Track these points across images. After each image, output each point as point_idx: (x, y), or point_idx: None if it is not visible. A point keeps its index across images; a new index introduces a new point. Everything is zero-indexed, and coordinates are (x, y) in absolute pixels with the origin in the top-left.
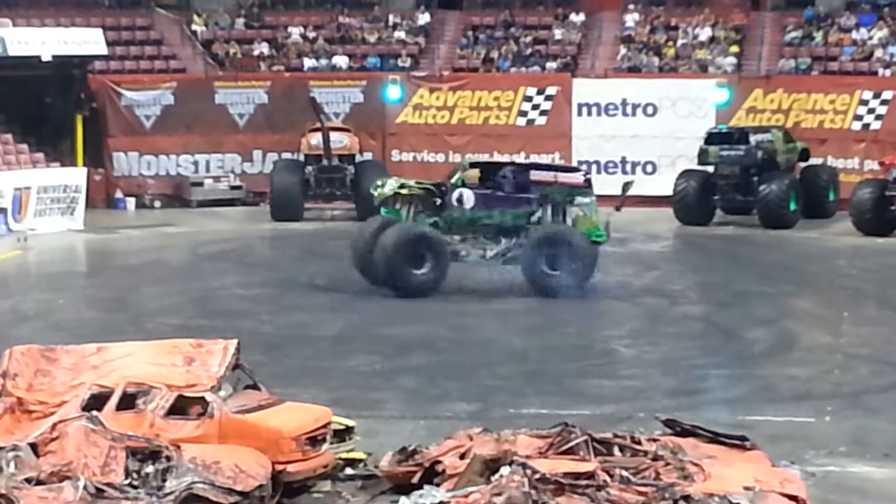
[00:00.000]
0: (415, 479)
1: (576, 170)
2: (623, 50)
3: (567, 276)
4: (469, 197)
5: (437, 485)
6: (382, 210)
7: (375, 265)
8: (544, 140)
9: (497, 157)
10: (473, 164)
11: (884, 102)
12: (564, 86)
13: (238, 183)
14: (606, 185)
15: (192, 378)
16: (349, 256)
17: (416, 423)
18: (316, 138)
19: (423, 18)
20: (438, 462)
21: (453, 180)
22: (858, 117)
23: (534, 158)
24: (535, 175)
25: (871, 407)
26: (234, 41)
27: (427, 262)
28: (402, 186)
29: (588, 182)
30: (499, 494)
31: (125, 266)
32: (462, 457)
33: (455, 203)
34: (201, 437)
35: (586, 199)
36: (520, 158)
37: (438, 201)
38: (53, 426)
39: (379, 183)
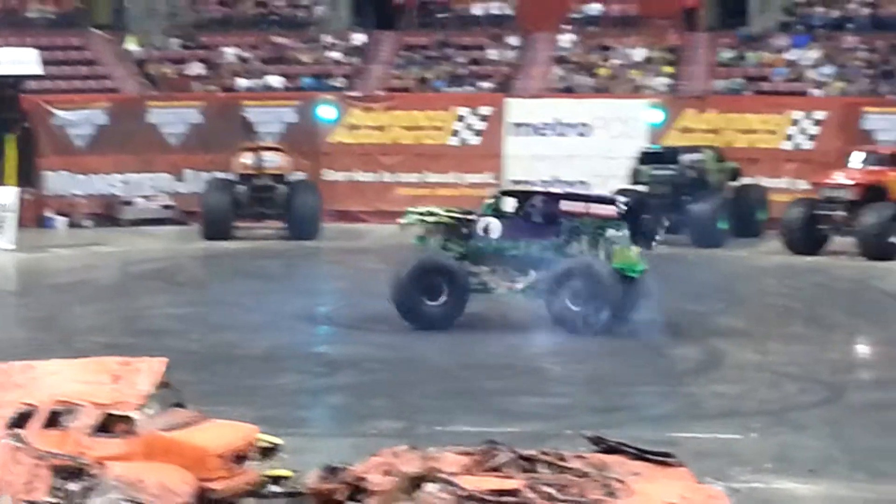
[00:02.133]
0: (340, 497)
1: (611, 201)
2: (557, 70)
3: (590, 310)
4: (496, 226)
5: (362, 502)
6: (413, 239)
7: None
8: (478, 160)
9: (533, 185)
10: (507, 192)
11: (815, 123)
12: (498, 106)
13: (170, 202)
14: None
15: (118, 396)
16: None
17: (343, 441)
18: (248, 158)
19: (358, 39)
20: (364, 479)
21: (483, 208)
22: (790, 137)
23: (470, 178)
24: (565, 205)
25: (797, 424)
26: (169, 61)
27: (443, 294)
28: (429, 214)
29: (622, 214)
30: None
31: (55, 285)
32: (387, 474)
33: (482, 232)
34: (127, 455)
35: (619, 233)
36: (563, 184)
37: (466, 230)
38: None
39: (409, 210)
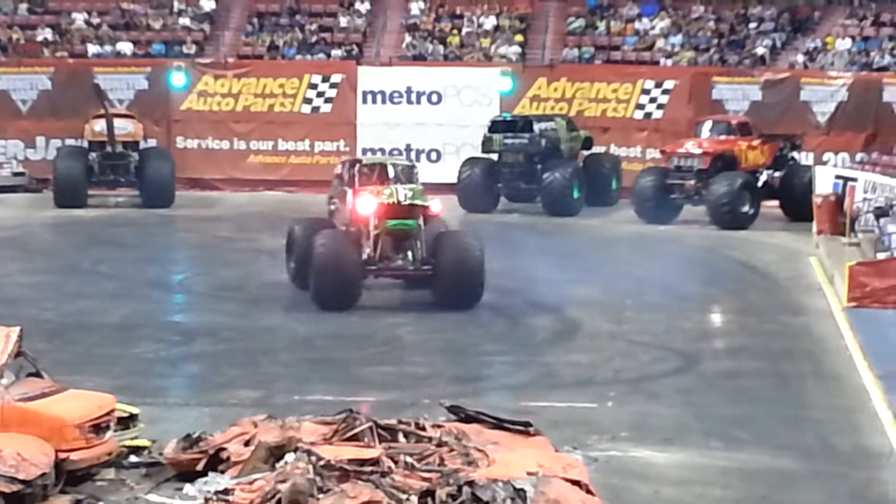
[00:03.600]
0: (199, 467)
1: None
2: (408, 38)
3: None
4: None
5: (222, 472)
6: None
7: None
8: (330, 128)
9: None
10: None
11: (665, 92)
12: (349, 73)
13: (21, 169)
14: None
15: None
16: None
17: (201, 411)
18: (100, 125)
19: (208, 5)
20: (223, 449)
21: None
22: (640, 106)
23: (322, 146)
24: None
25: (652, 393)
26: (17, 26)
27: None
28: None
29: None
30: (283, 481)
31: None
32: (247, 444)
33: None
34: None
35: None
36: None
37: None
38: None
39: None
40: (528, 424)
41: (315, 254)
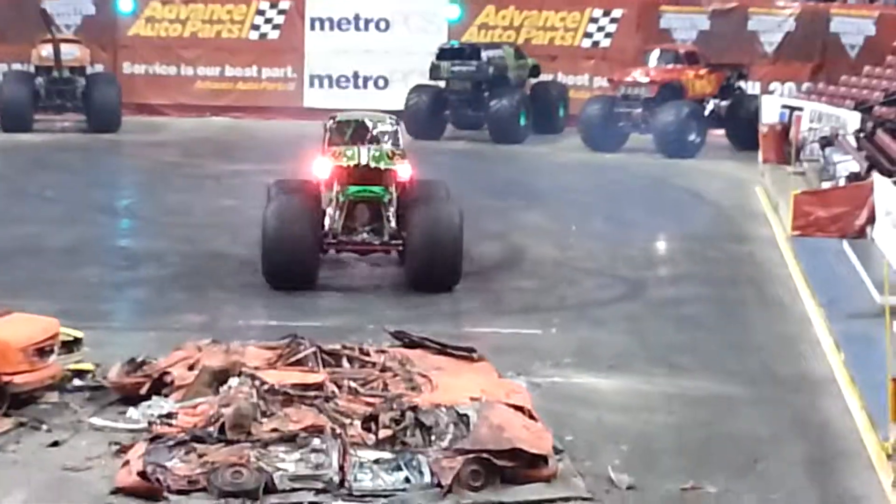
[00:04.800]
0: (143, 391)
1: None
2: None
3: None
4: None
5: (166, 396)
6: None
7: None
8: (277, 54)
9: None
10: None
11: (613, 21)
12: (297, 0)
13: None
14: (339, 99)
15: None
16: None
17: (146, 335)
18: (46, 50)
19: None
20: (167, 373)
21: None
22: (588, 35)
23: (270, 72)
24: None
25: (596, 319)
26: None
27: None
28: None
29: None
30: (227, 405)
31: None
32: (191, 368)
33: None
34: None
35: None
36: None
37: None
38: None
39: None
40: (471, 350)
41: (264, 225)
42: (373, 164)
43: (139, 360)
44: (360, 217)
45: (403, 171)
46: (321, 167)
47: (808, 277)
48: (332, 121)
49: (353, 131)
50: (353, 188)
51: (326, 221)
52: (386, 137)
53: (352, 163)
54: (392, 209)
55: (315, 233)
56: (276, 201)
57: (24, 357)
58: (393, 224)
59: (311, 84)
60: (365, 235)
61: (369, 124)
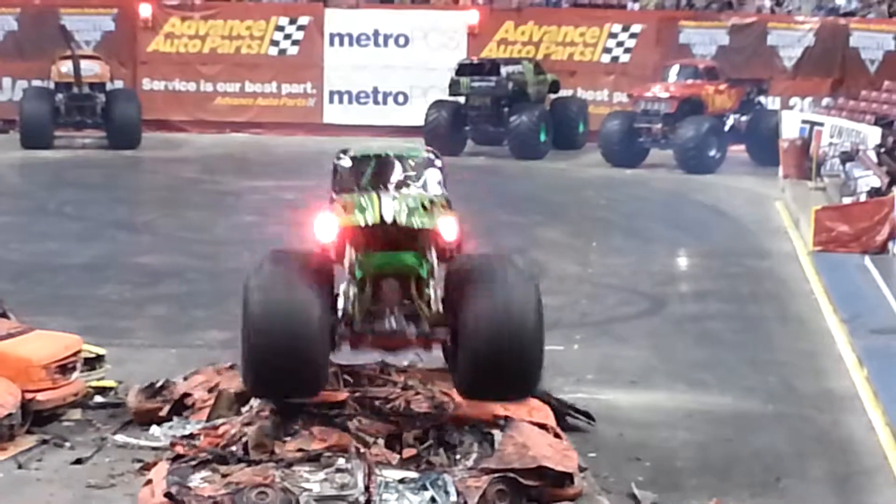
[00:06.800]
0: (163, 413)
1: None
2: None
3: None
4: None
5: (186, 418)
6: None
7: None
8: (296, 70)
9: None
10: None
11: (632, 36)
12: (317, 16)
13: None
14: (359, 115)
15: None
16: None
17: (167, 352)
18: (66, 66)
19: None
20: (188, 395)
21: None
22: (608, 50)
23: (290, 88)
24: None
25: (618, 335)
26: None
27: None
28: None
29: None
30: (249, 424)
31: None
32: (210, 391)
33: None
34: None
35: None
36: None
37: None
38: None
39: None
40: (590, 417)
41: (247, 309)
42: (402, 221)
43: (158, 384)
44: (387, 298)
45: (447, 228)
46: (324, 226)
47: (830, 293)
48: (343, 156)
49: (374, 172)
50: (374, 257)
51: (339, 303)
52: (420, 179)
53: (371, 220)
54: (433, 284)
55: (323, 321)
56: (263, 275)
57: (46, 374)
58: (435, 307)
59: (331, 100)
60: (394, 324)
61: (395, 161)
